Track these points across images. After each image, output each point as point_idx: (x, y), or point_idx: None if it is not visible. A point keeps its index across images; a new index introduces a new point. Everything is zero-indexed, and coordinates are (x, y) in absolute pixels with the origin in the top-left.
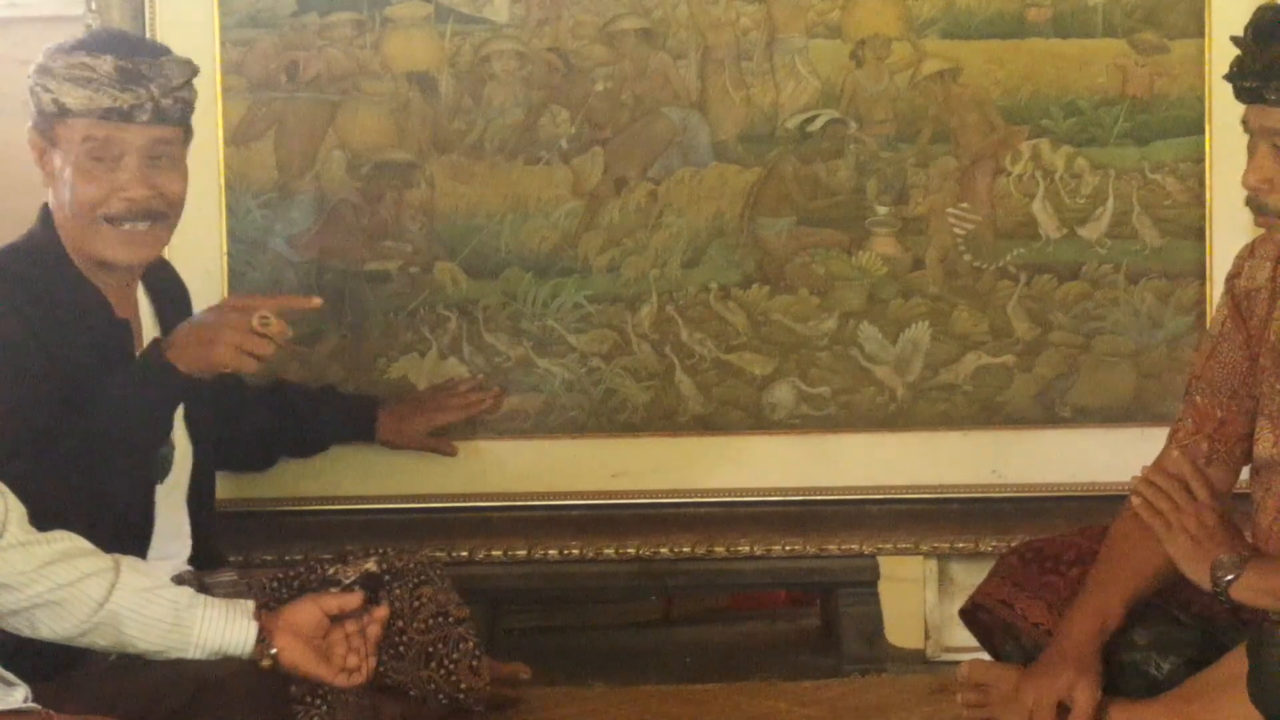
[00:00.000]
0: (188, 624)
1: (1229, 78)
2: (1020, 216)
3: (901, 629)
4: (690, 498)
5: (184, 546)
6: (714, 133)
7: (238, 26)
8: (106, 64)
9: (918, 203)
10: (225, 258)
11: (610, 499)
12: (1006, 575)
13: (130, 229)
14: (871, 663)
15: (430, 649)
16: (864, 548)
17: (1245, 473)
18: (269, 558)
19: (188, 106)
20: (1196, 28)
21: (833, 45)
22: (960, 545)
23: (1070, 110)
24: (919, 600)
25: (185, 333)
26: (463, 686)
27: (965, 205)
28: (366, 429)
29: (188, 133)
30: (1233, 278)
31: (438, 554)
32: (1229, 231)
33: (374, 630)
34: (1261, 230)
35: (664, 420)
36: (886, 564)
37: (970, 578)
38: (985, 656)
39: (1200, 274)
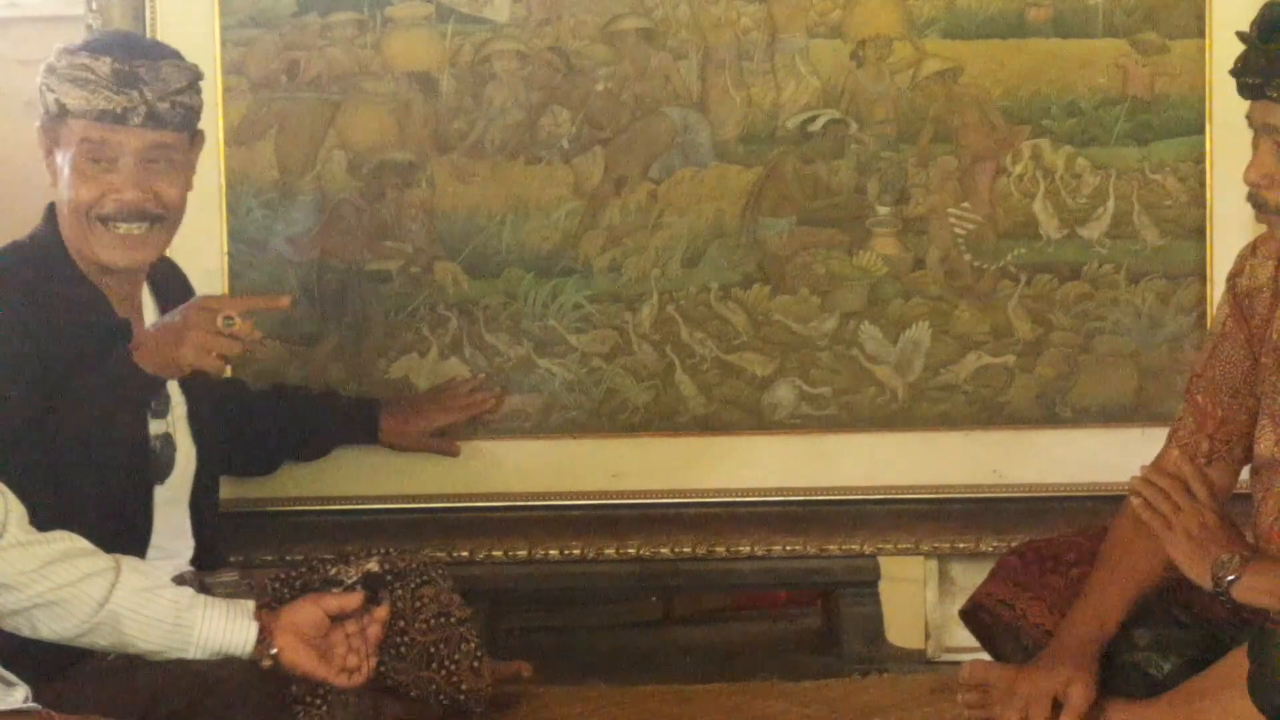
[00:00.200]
0: (188, 624)
1: (1233, 73)
2: (1021, 216)
3: (902, 629)
4: (691, 498)
5: (186, 547)
6: (715, 133)
7: (238, 26)
8: (104, 65)
9: (918, 203)
10: (226, 257)
11: (611, 499)
12: (1007, 575)
13: (125, 231)
14: (872, 663)
15: (432, 649)
16: (864, 548)
17: (1245, 473)
18: (270, 558)
19: (189, 111)
20: (1197, 28)
21: (833, 45)
22: (961, 545)
23: (1071, 110)
24: (919, 600)
25: (152, 334)
26: (464, 687)
27: (966, 205)
28: (370, 431)
29: (194, 137)
30: (1234, 276)
31: (438, 554)
32: (1229, 231)
33: (374, 630)
34: (1263, 229)
35: (665, 420)
36: (887, 564)
37: (971, 578)
38: (986, 657)
39: (1201, 274)
